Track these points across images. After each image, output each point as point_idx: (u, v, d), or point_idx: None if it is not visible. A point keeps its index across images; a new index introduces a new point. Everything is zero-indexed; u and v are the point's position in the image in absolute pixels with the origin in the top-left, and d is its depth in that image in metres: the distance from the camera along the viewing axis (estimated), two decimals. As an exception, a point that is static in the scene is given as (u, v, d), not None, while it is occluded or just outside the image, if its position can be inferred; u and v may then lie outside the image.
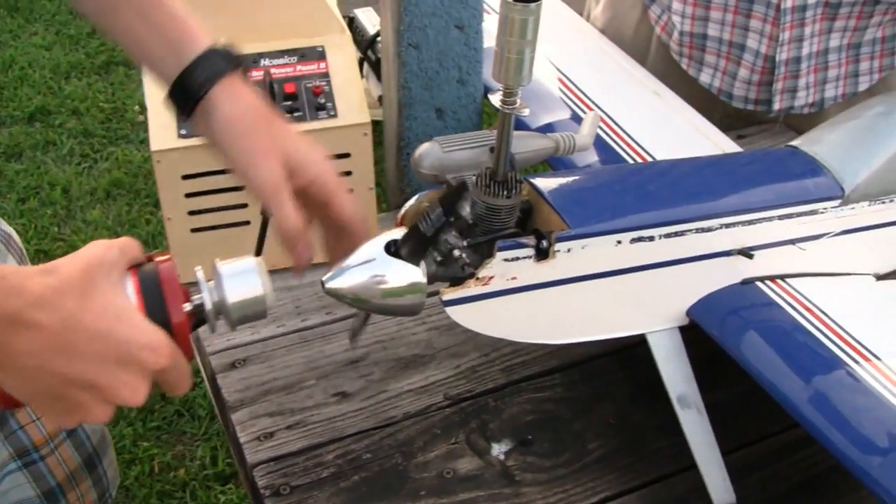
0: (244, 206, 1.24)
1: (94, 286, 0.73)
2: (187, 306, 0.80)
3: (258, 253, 0.97)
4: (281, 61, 1.26)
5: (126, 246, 0.78)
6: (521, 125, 1.21)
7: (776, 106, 1.52)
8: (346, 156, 1.24)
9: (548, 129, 1.22)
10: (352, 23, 1.61)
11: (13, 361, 0.70)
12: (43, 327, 0.69)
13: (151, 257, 0.81)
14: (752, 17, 1.47)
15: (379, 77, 1.48)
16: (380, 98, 1.48)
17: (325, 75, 1.25)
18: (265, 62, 1.25)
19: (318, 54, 1.26)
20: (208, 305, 0.81)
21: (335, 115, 1.22)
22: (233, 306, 0.82)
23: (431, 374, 1.15)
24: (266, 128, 0.90)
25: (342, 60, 1.26)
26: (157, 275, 0.79)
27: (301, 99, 1.23)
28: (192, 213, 1.24)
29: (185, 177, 1.22)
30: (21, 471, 1.18)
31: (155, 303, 0.78)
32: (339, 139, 1.23)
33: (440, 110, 1.39)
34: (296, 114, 1.22)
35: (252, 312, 0.83)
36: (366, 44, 1.56)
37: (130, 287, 0.78)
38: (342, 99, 1.23)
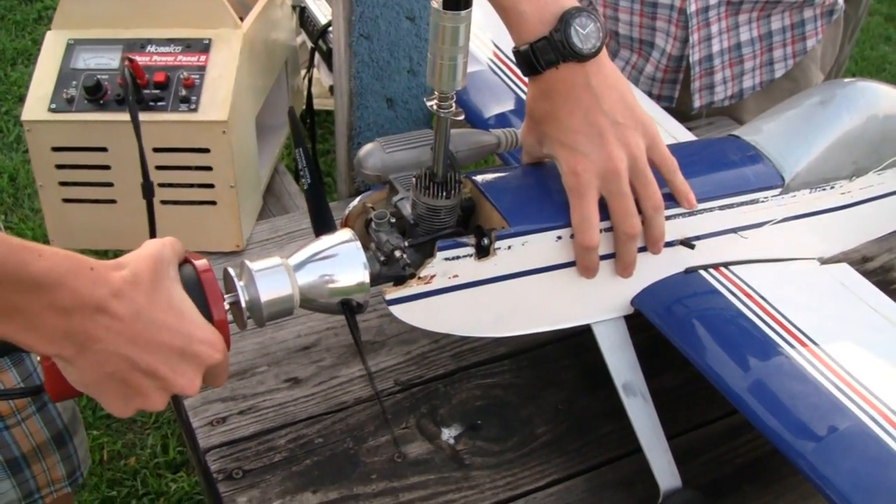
0: (110, 184, 1.26)
1: (160, 282, 0.78)
2: (225, 304, 0.84)
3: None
4: (166, 49, 1.26)
5: (175, 244, 0.83)
6: (473, 117, 1.23)
7: (696, 103, 1.59)
8: (206, 151, 1.24)
9: (500, 120, 1.23)
10: (303, 13, 1.61)
11: (91, 345, 0.74)
12: (120, 317, 0.74)
13: (188, 258, 0.85)
14: (658, 20, 1.53)
15: (330, 67, 1.49)
16: (331, 88, 1.48)
17: (202, 68, 1.24)
18: (151, 48, 1.26)
19: (202, 46, 1.26)
20: (242, 304, 0.86)
21: (196, 110, 1.22)
22: (265, 304, 0.86)
23: (382, 360, 1.16)
24: None
25: (225, 56, 1.25)
26: (198, 275, 0.83)
27: (170, 89, 1.22)
28: (63, 183, 1.27)
29: (56, 149, 1.25)
30: None
31: (197, 301, 0.82)
32: (198, 134, 1.23)
33: (391, 100, 1.39)
34: (159, 103, 1.22)
35: (280, 310, 0.87)
36: (317, 34, 1.56)
37: None
38: (209, 94, 1.23)
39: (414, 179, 0.94)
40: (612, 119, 0.94)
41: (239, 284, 0.86)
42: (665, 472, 0.97)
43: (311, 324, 1.20)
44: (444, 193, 0.93)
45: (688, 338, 0.96)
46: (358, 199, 1.00)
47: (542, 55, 0.93)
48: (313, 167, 0.93)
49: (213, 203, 1.28)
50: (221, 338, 0.82)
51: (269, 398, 1.11)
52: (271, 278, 0.86)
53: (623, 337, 1.02)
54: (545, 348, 1.18)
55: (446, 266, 0.93)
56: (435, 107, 0.88)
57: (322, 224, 0.93)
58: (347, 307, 0.90)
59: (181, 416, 1.10)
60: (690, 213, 1.01)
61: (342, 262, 0.89)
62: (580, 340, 1.16)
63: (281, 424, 1.08)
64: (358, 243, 0.90)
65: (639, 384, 0.99)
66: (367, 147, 0.99)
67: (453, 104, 0.88)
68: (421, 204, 0.94)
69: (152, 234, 1.13)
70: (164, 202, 1.25)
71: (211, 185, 1.26)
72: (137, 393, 0.78)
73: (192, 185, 1.27)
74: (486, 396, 1.12)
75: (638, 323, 1.03)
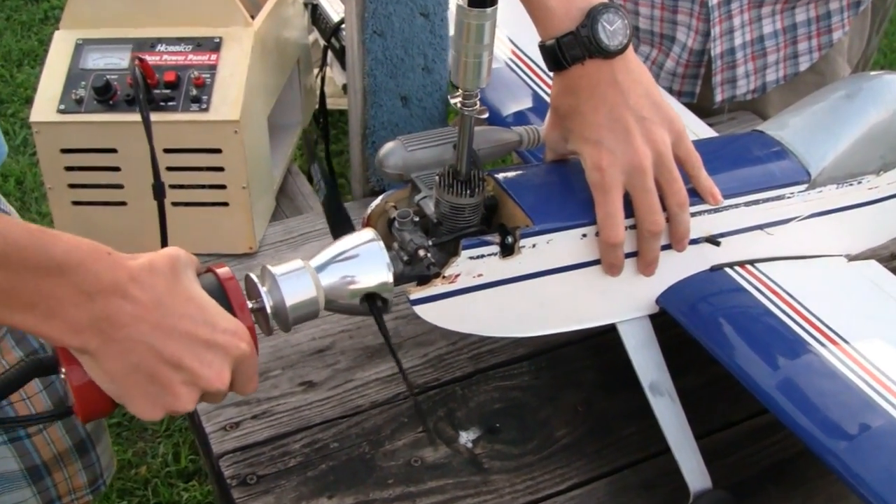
0: (120, 186, 1.25)
1: (178, 276, 0.78)
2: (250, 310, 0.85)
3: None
4: (176, 48, 1.25)
5: (189, 254, 0.82)
6: (492, 115, 1.22)
7: (717, 97, 1.57)
8: (217, 151, 1.23)
9: (518, 118, 1.22)
10: (315, 10, 1.60)
11: (115, 332, 0.73)
12: (139, 301, 0.74)
13: (210, 268, 0.84)
14: (679, 13, 1.52)
15: (343, 65, 1.48)
16: (344, 87, 1.47)
17: (213, 67, 1.24)
18: (161, 48, 1.25)
19: (213, 45, 1.25)
20: (268, 309, 0.86)
21: (207, 109, 1.21)
22: (291, 308, 0.86)
23: None
24: None
25: (236, 54, 1.25)
26: (220, 282, 0.83)
27: (180, 88, 1.22)
28: (72, 186, 1.26)
29: (65, 150, 1.24)
30: (6, 444, 1.20)
31: (222, 307, 0.81)
32: (209, 134, 1.22)
33: (405, 98, 1.38)
34: (170, 103, 1.21)
35: (306, 313, 0.87)
36: (329, 31, 1.56)
37: None
38: (220, 93, 1.22)
39: (437, 177, 0.94)
40: (637, 115, 0.94)
41: (262, 289, 0.86)
42: (695, 472, 0.96)
43: (325, 326, 1.19)
44: (468, 191, 0.93)
45: (714, 336, 0.95)
46: (380, 198, 1.00)
47: (568, 50, 0.94)
48: (329, 177, 0.93)
49: (226, 204, 1.27)
50: (246, 329, 0.81)
51: (284, 402, 1.10)
52: (295, 281, 0.86)
53: (649, 336, 1.01)
54: (564, 349, 1.18)
55: (471, 265, 0.92)
56: (459, 104, 0.88)
57: (340, 231, 0.93)
58: (373, 303, 0.89)
59: (194, 421, 1.10)
60: (716, 210, 1.01)
61: (365, 262, 0.89)
62: (600, 341, 1.16)
63: (296, 429, 1.07)
64: (381, 243, 0.89)
65: (666, 383, 0.99)
66: (389, 145, 0.98)
67: (477, 102, 0.88)
68: (444, 202, 0.94)
69: (163, 237, 1.13)
70: (175, 204, 1.24)
71: (223, 186, 1.26)
72: (165, 389, 0.77)
73: (203, 187, 1.26)
74: (505, 399, 1.12)
75: (660, 322, 1.02)
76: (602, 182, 0.94)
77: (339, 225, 0.94)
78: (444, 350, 1.17)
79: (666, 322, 1.00)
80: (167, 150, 1.21)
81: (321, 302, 0.87)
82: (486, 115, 0.89)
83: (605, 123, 0.94)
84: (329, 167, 1.93)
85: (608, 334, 1.02)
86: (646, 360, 1.00)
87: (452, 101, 0.88)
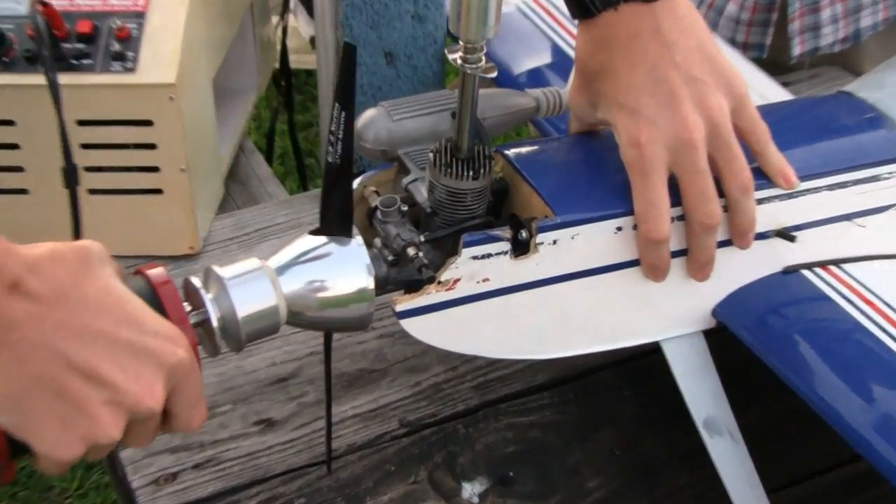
0: (20, 169, 1.26)
1: (91, 267, 0.75)
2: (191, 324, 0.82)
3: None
4: None
5: (105, 249, 0.79)
6: (501, 75, 1.23)
7: (796, 51, 1.59)
8: (147, 124, 1.23)
9: (533, 77, 1.23)
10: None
11: (9, 334, 0.70)
12: (39, 296, 0.71)
13: (139, 270, 0.82)
14: None
15: (310, 12, 1.47)
16: (312, 40, 1.46)
17: (140, 15, 1.23)
18: None
19: None
20: (214, 322, 0.83)
21: (133, 70, 1.20)
22: (244, 321, 0.83)
23: (383, 393, 1.15)
24: None
25: None
26: (152, 286, 0.80)
27: (98, 42, 1.21)
28: None
29: None
30: None
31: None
32: (137, 101, 1.22)
33: (390, 55, 1.40)
34: (84, 61, 1.20)
35: (263, 328, 0.85)
36: (294, -29, 1.55)
37: None
38: (150, 48, 1.21)
39: (431, 155, 0.93)
40: (686, 74, 0.93)
41: (206, 297, 0.84)
42: (766, 536, 0.97)
43: (288, 348, 1.19)
44: (471, 173, 0.92)
45: (789, 359, 0.94)
46: (357, 181, 0.99)
47: None
48: (349, 137, 0.89)
49: (159, 192, 1.27)
50: (182, 333, 0.78)
51: (235, 446, 1.10)
52: (249, 287, 0.84)
53: (703, 358, 1.01)
54: (596, 375, 1.18)
55: (474, 267, 0.91)
56: (459, 61, 0.87)
57: (337, 221, 0.90)
58: None
59: (116, 472, 1.09)
60: (789, 196, 1.00)
61: (338, 263, 0.87)
62: (642, 364, 1.16)
63: (250, 481, 1.07)
64: (359, 239, 0.88)
65: (725, 419, 0.98)
66: (368, 114, 0.98)
67: (483, 57, 0.87)
68: (441, 187, 0.93)
69: (76, 234, 1.13)
70: (92, 192, 1.24)
71: (155, 169, 1.26)
72: (79, 409, 0.73)
73: (130, 169, 1.26)
74: (521, 440, 1.12)
75: (719, 340, 1.01)
76: (641, 161, 0.92)
77: (337, 220, 0.91)
78: (442, 377, 1.17)
79: (725, 340, 0.99)
80: (82, 123, 1.21)
81: (283, 314, 0.85)
82: (494, 75, 0.88)
83: (644, 86, 0.93)
84: (294, 144, 1.92)
85: (651, 356, 1.02)
86: (699, 388, 1.00)
87: (451, 56, 0.87)
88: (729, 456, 0.97)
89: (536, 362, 1.17)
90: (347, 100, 0.84)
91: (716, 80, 0.94)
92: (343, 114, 0.85)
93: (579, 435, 1.12)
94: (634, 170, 0.93)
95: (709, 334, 1.02)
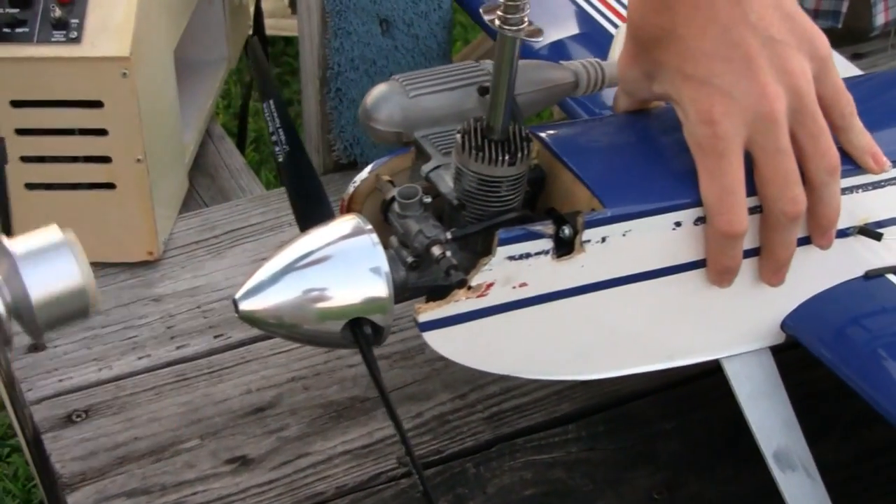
0: None
1: None
2: None
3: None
4: None
5: None
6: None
7: (878, 19, 1.60)
8: (97, 105, 1.22)
9: (556, 50, 1.21)
10: None
11: None
12: None
13: None
14: None
15: (290, -31, 1.49)
16: (292, 2, 1.48)
17: None
18: None
19: None
20: (1, 308, 0.81)
21: (78, 40, 1.20)
22: (39, 304, 0.81)
23: (379, 426, 1.15)
24: None
25: None
26: None
27: (35, 7, 1.21)
28: None
29: None
30: None
31: None
32: (83, 79, 1.22)
33: (386, 22, 1.41)
34: (19, 30, 1.20)
35: (67, 312, 0.83)
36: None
37: None
38: (98, 14, 1.21)
39: (458, 137, 0.92)
40: (764, 35, 0.91)
41: None
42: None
43: (265, 372, 1.20)
44: (507, 157, 0.91)
45: (874, 379, 0.93)
46: (367, 169, 0.99)
47: None
48: (289, 120, 0.90)
49: (111, 186, 1.27)
50: None
51: (203, 489, 1.10)
52: (47, 262, 0.82)
53: (773, 379, 1.01)
54: (631, 405, 1.19)
55: (511, 269, 0.90)
56: (498, 21, 0.85)
57: (311, 212, 0.91)
58: (358, 331, 0.87)
59: None
60: (875, 185, 0.99)
61: (346, 266, 0.88)
62: (685, 392, 1.16)
63: None
64: (374, 236, 0.88)
65: (800, 452, 0.98)
66: (379, 89, 0.97)
67: (526, 17, 0.84)
68: (470, 174, 0.92)
69: (7, 230, 1.14)
70: (30, 186, 1.25)
71: (106, 160, 1.26)
72: None
73: (76, 160, 1.26)
74: (542, 480, 1.12)
75: (790, 358, 1.01)
76: (714, 140, 0.91)
77: (311, 211, 0.92)
78: (449, 406, 1.18)
79: (797, 358, 0.99)
80: (16, 104, 1.21)
81: (92, 293, 0.84)
82: (539, 38, 0.89)
83: (717, 52, 0.91)
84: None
85: (697, 382, 1.06)
86: (768, 415, 0.99)
87: (487, 17, 0.87)
88: (805, 494, 0.97)
89: (562, 385, 1.18)
90: (269, 90, 0.85)
91: (797, 41, 0.92)
92: (271, 103, 0.86)
93: (611, 476, 1.12)
94: (706, 151, 0.91)
95: (777, 351, 1.01)
